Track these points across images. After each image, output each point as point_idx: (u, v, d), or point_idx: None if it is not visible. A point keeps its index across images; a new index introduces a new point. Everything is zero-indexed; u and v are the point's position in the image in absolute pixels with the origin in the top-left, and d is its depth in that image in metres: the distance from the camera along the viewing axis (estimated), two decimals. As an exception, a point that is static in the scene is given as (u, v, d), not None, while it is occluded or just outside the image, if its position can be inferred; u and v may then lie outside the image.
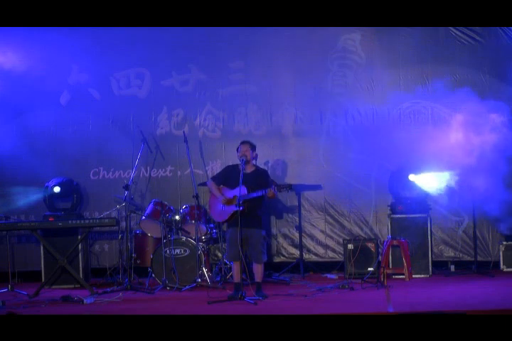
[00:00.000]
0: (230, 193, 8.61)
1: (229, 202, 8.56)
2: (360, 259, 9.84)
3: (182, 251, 9.58)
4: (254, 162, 8.79)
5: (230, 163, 9.24)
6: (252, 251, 8.60)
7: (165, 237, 9.58)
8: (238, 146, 8.72)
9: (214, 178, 8.93)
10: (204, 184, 10.37)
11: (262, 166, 9.80)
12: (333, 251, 10.77)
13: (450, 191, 9.99)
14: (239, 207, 8.23)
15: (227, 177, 8.73)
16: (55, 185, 10.29)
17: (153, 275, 9.59)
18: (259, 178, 8.61)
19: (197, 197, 9.66)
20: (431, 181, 9.97)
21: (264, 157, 10.38)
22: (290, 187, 8.36)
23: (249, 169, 8.68)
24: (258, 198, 8.45)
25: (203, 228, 9.86)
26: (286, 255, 10.88)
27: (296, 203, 10.62)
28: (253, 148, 8.72)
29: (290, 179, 10.63)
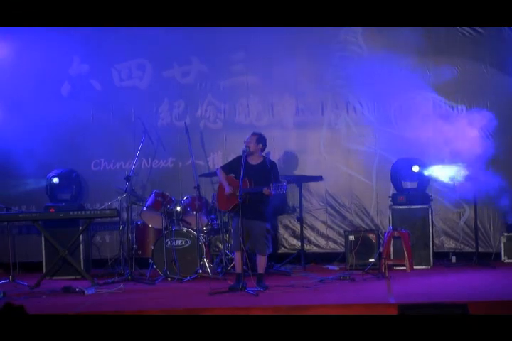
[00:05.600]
0: (235, 184, 8.59)
1: (232, 192, 8.56)
2: (361, 250, 9.84)
3: (183, 242, 9.59)
4: (260, 153, 8.76)
5: (232, 154, 9.23)
6: (255, 242, 8.60)
7: (166, 228, 9.58)
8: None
9: (223, 167, 8.93)
10: (205, 175, 10.41)
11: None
12: (335, 242, 10.76)
13: (452, 182, 10.00)
14: (239, 198, 8.22)
15: (234, 167, 8.69)
16: (54, 176, 10.29)
17: (154, 266, 9.60)
18: (265, 171, 8.58)
19: (198, 188, 9.66)
20: (433, 172, 9.98)
21: (266, 148, 10.32)
22: (284, 189, 8.28)
23: (254, 161, 8.66)
24: (259, 192, 8.44)
25: (204, 219, 9.86)
26: (288, 246, 10.87)
27: (297, 194, 10.61)
28: (259, 140, 8.68)
29: (291, 170, 10.63)
